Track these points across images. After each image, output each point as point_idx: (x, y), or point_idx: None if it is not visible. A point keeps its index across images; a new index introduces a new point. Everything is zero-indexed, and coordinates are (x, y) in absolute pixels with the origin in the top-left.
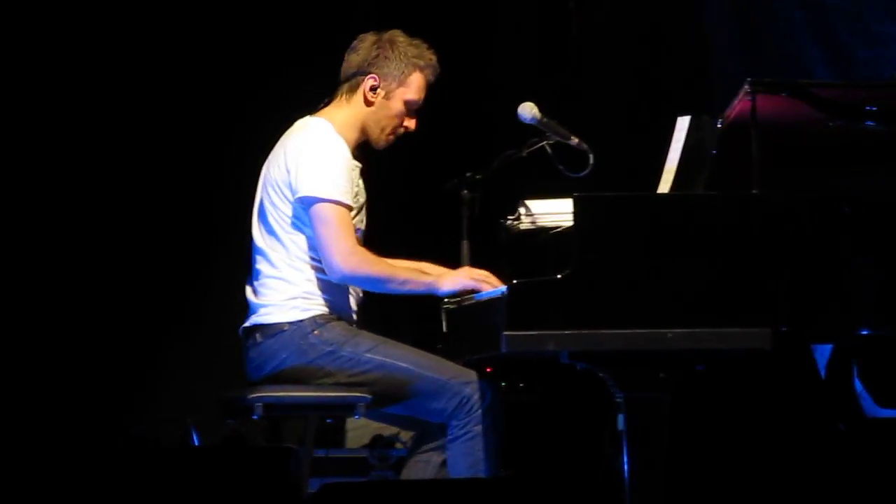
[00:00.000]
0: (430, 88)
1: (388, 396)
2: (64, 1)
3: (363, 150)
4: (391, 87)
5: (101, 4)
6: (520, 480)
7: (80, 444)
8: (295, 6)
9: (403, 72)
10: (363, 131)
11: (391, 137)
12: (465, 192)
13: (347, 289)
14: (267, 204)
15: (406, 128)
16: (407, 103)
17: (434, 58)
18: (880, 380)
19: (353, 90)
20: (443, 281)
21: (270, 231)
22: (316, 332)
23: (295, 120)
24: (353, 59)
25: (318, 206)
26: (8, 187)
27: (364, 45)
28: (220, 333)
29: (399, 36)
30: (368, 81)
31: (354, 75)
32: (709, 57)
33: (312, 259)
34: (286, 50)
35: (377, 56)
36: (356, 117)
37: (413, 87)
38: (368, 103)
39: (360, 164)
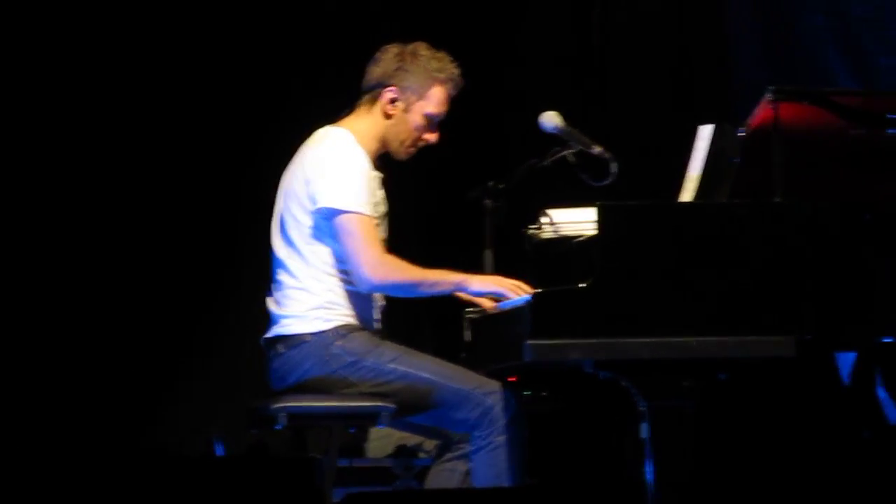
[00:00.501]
0: (453, 101)
1: (411, 407)
2: (88, 8)
3: (385, 159)
4: (411, 99)
5: (126, 12)
6: (544, 490)
7: (105, 455)
8: (319, 15)
9: (423, 85)
10: (383, 143)
11: (412, 150)
12: (488, 201)
13: (370, 298)
14: (286, 215)
15: (426, 140)
16: (427, 117)
17: (457, 71)
18: None
19: (373, 102)
20: (472, 280)
21: (290, 242)
22: (339, 342)
23: (316, 129)
24: (374, 71)
25: (341, 218)
26: (36, 197)
27: (386, 57)
28: (243, 344)
29: (422, 48)
30: (388, 94)
31: (375, 87)
32: (731, 65)
33: (333, 269)
34: (309, 59)
35: (398, 68)
36: (376, 129)
37: (433, 100)
38: (388, 116)
39: (381, 174)
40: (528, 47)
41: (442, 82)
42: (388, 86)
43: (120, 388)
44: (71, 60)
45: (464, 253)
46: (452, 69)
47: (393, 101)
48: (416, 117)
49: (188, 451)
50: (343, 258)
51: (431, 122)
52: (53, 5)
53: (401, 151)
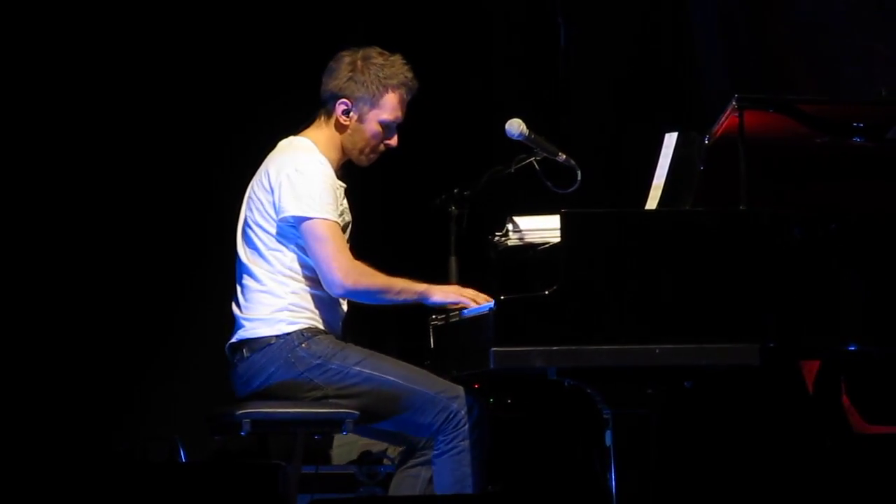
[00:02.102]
0: (417, 107)
1: (375, 410)
2: (60, 14)
3: (348, 167)
4: (363, 109)
5: (94, 16)
6: (508, 496)
7: (68, 460)
8: (290, 23)
9: (375, 94)
10: (343, 152)
11: (373, 156)
12: (453, 208)
13: (335, 303)
14: (250, 222)
15: (386, 146)
16: (382, 124)
17: (409, 75)
18: (868, 396)
19: (329, 113)
20: (433, 291)
21: (254, 248)
22: (304, 345)
23: (280, 139)
24: (328, 83)
25: (309, 224)
26: None
27: (338, 67)
28: (207, 350)
29: (374, 54)
30: (341, 106)
31: (328, 99)
32: (696, 73)
33: (297, 274)
34: (277, 69)
35: (349, 79)
36: (335, 139)
37: (387, 107)
38: (343, 127)
39: (344, 185)
40: (493, 54)
41: (394, 88)
42: (340, 98)
43: (84, 393)
44: (39, 66)
45: (429, 260)
46: (404, 74)
47: (346, 112)
48: (371, 126)
49: (152, 457)
50: (311, 264)
51: (388, 129)
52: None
53: (361, 159)
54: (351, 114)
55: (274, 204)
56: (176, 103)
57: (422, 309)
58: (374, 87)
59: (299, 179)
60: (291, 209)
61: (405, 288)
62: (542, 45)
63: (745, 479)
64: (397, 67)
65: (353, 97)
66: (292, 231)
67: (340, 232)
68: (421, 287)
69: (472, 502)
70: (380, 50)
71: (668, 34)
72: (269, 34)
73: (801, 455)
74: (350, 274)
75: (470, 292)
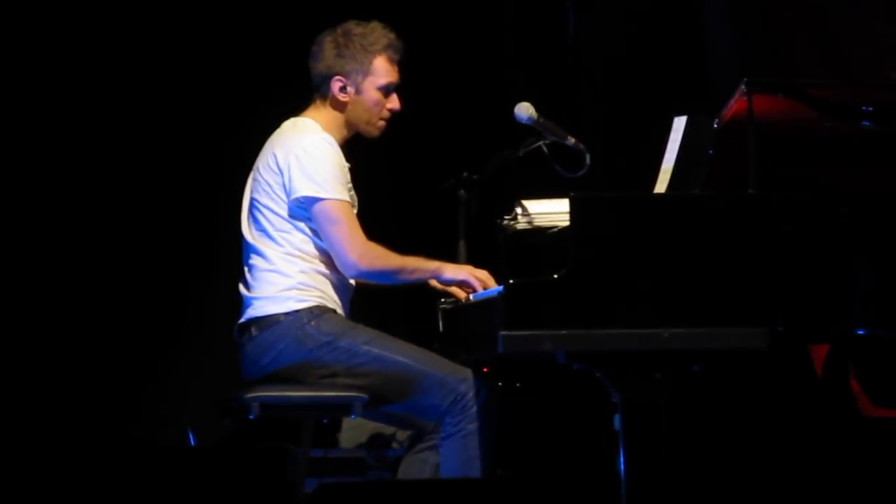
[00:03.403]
0: (401, 64)
1: (383, 391)
2: (60, 8)
3: (352, 149)
4: (358, 80)
5: (94, 11)
6: (517, 480)
7: (78, 445)
8: (296, 8)
9: (364, 62)
10: (350, 128)
11: (381, 123)
12: (462, 192)
13: (342, 282)
14: (257, 203)
15: (392, 110)
16: (380, 89)
17: (392, 35)
18: (876, 380)
19: (324, 95)
20: (446, 267)
21: (261, 229)
22: (313, 322)
23: (282, 121)
24: (316, 67)
25: (322, 205)
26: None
27: (322, 49)
28: (216, 335)
29: (351, 27)
30: (336, 84)
31: (322, 81)
32: (705, 57)
33: (306, 254)
34: (281, 54)
35: (336, 56)
36: (338, 118)
37: (380, 71)
38: (343, 104)
39: (349, 165)
40: (502, 38)
41: (380, 52)
42: (333, 77)
43: (93, 379)
44: (30, 62)
45: (438, 244)
46: (386, 36)
47: (342, 88)
48: (370, 95)
49: (161, 441)
50: (320, 244)
51: (387, 92)
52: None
53: (370, 129)
54: (348, 89)
55: (284, 185)
56: (179, 90)
57: (430, 292)
58: (361, 56)
59: (309, 160)
60: (303, 190)
61: (418, 267)
62: (550, 29)
63: (753, 463)
64: (378, 32)
65: (345, 71)
66: (303, 212)
67: (352, 212)
68: (434, 264)
69: (480, 486)
70: (356, 21)
71: (677, 18)
72: (274, 18)
73: (809, 439)
74: (365, 255)
75: (483, 274)
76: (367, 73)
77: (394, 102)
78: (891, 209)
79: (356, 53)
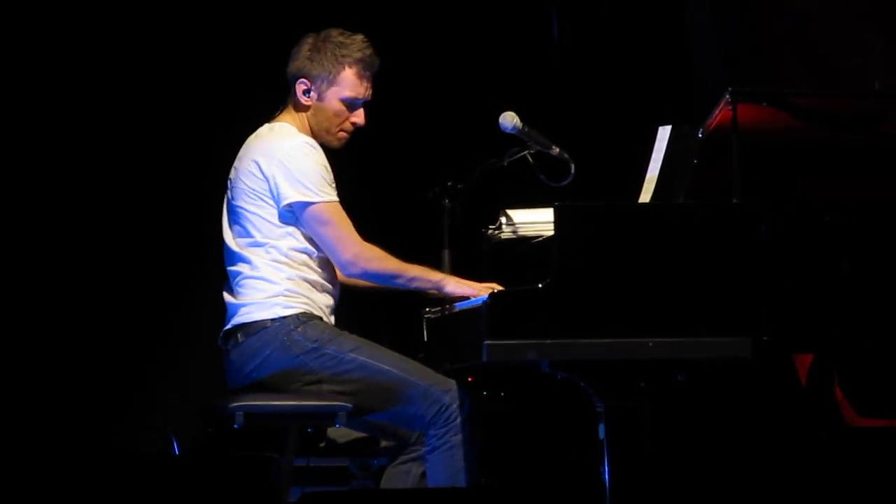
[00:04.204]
0: (373, 80)
1: (368, 399)
2: (51, 13)
3: (337, 158)
4: (322, 87)
5: (84, 15)
6: (501, 490)
7: (61, 453)
8: (281, 12)
9: (331, 71)
10: (313, 134)
11: (342, 135)
12: (447, 201)
13: (328, 289)
14: (243, 211)
15: (355, 124)
16: (344, 101)
17: (368, 51)
18: (861, 389)
19: (293, 97)
20: (448, 281)
21: (246, 235)
22: (299, 329)
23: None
24: (290, 66)
25: (312, 209)
26: None
27: (300, 50)
28: (200, 343)
29: (333, 34)
30: (300, 86)
31: (291, 82)
32: (690, 66)
33: (293, 260)
34: (261, 60)
35: (307, 59)
36: (303, 121)
37: (345, 83)
38: (305, 107)
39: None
40: (486, 46)
41: (350, 64)
42: (300, 77)
43: (77, 386)
44: (20, 63)
45: (422, 253)
46: (362, 50)
47: (306, 92)
48: (331, 104)
49: (145, 449)
50: (306, 249)
51: (351, 106)
52: None
53: (330, 140)
54: (311, 93)
55: (271, 192)
56: (168, 96)
57: (415, 301)
58: (329, 64)
59: (294, 165)
60: (292, 196)
61: (419, 276)
62: (535, 38)
63: (738, 472)
64: (356, 45)
65: (311, 76)
66: (294, 217)
67: (343, 212)
68: (437, 276)
69: (465, 496)
70: (342, 30)
71: (662, 28)
72: (267, 20)
73: (794, 448)
74: (361, 257)
75: (486, 286)
76: (332, 82)
77: (359, 117)
78: (875, 218)
79: (325, 60)
